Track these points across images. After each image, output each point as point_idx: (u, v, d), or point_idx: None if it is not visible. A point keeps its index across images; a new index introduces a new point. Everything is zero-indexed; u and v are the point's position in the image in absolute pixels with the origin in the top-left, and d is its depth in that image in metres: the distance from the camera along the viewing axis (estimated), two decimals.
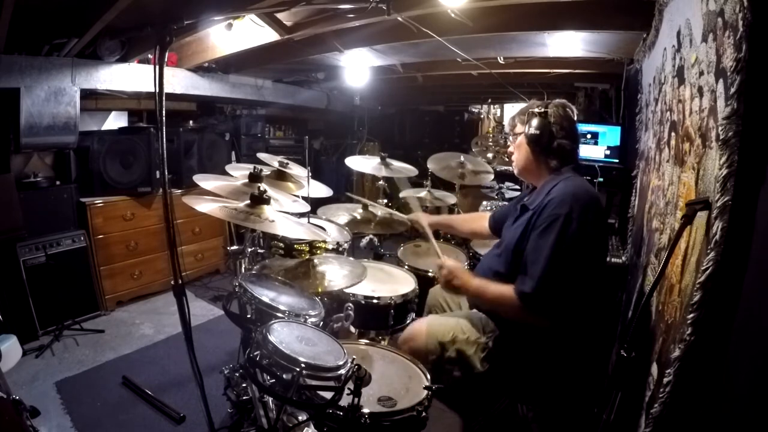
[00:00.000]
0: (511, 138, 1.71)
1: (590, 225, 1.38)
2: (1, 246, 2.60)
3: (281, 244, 2.07)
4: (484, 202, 3.40)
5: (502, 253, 1.58)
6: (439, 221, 2.26)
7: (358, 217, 2.36)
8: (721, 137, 0.84)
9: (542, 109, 1.54)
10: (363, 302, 1.91)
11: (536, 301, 1.36)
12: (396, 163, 2.71)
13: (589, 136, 3.21)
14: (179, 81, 3.40)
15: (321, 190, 2.38)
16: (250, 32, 2.58)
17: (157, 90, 1.28)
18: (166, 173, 1.38)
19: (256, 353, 1.19)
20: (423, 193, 2.87)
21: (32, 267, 2.71)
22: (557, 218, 1.37)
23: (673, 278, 1.13)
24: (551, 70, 3.23)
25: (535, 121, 1.53)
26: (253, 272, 1.79)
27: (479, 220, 2.08)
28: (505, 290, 1.44)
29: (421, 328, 1.65)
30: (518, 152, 1.63)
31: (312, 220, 2.06)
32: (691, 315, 0.90)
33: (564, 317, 1.39)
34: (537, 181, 1.62)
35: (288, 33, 2.41)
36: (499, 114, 5.77)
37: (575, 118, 1.57)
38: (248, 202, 1.50)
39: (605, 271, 1.59)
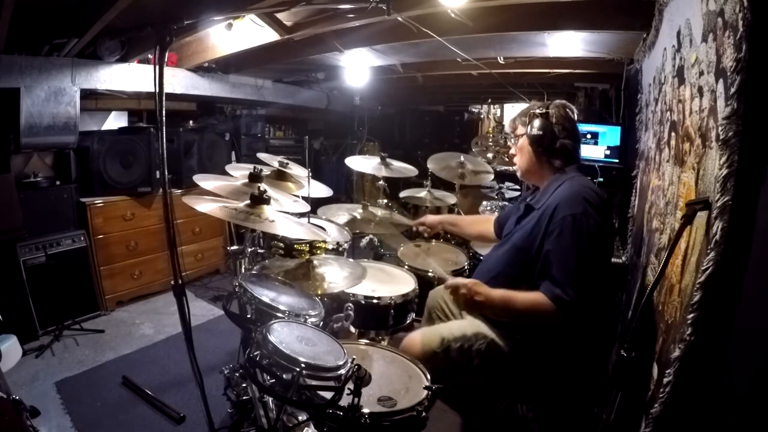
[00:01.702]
0: (512, 140, 1.71)
1: (602, 223, 1.39)
2: (1, 246, 2.60)
3: (281, 244, 2.07)
4: (484, 202, 3.40)
5: (506, 253, 1.57)
6: (444, 219, 2.26)
7: (358, 217, 2.36)
8: (721, 137, 0.84)
9: (543, 110, 1.54)
10: (363, 302, 1.91)
11: (577, 306, 1.33)
12: (396, 163, 2.71)
13: (589, 136, 3.21)
14: (179, 81, 3.40)
15: (321, 190, 2.38)
16: (250, 32, 2.58)
17: (157, 90, 1.28)
18: (166, 173, 1.38)
19: (256, 353, 1.19)
20: (423, 193, 2.87)
21: (32, 267, 2.71)
22: (574, 218, 1.36)
23: (673, 278, 1.13)
24: (551, 70, 3.23)
25: (536, 122, 1.53)
26: (253, 272, 1.79)
27: (485, 223, 2.06)
28: (536, 298, 1.39)
29: (416, 338, 1.64)
30: (521, 154, 1.63)
31: (312, 220, 2.06)
32: (691, 315, 0.90)
33: (593, 315, 1.39)
34: (540, 182, 1.61)
35: (288, 33, 2.41)
36: (499, 114, 5.77)
37: (575, 118, 1.58)
38: (248, 202, 1.50)
39: (609, 270, 1.59)
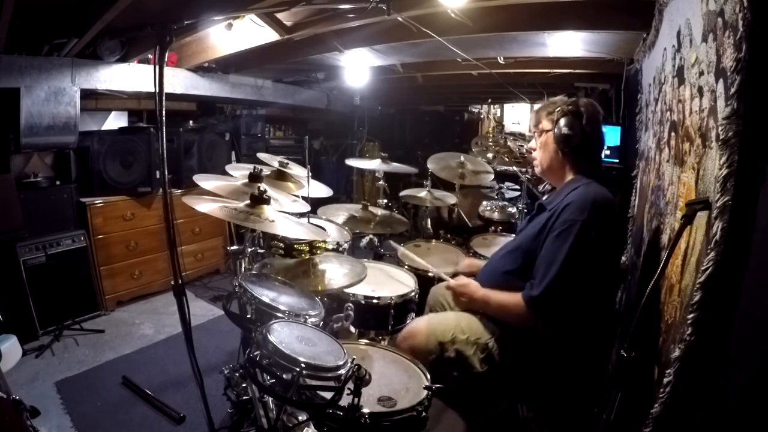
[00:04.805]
0: (534, 133, 1.62)
1: (607, 233, 1.36)
2: (1, 246, 2.60)
3: (281, 244, 2.07)
4: (484, 202, 3.40)
5: (512, 252, 1.55)
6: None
7: (358, 217, 2.36)
8: (721, 137, 0.84)
9: (574, 108, 1.47)
10: (363, 302, 1.91)
11: (542, 305, 1.33)
12: (396, 164, 2.71)
13: None
14: (179, 81, 3.40)
15: (321, 190, 2.38)
16: (250, 32, 2.58)
17: (157, 90, 1.28)
18: (166, 173, 1.38)
19: (256, 353, 1.19)
20: (423, 193, 2.87)
21: (32, 267, 2.71)
22: (574, 224, 1.33)
23: (673, 278, 1.13)
24: (551, 70, 3.24)
25: (567, 120, 1.46)
26: (253, 272, 1.79)
27: None
28: (511, 296, 1.42)
29: (421, 326, 1.63)
30: (544, 151, 1.55)
31: (312, 220, 2.06)
32: (691, 315, 0.90)
33: (569, 324, 1.37)
34: (558, 182, 1.57)
35: (288, 33, 2.41)
36: (499, 114, 5.77)
37: (601, 119, 1.52)
38: (248, 202, 1.50)
39: (618, 275, 1.56)
